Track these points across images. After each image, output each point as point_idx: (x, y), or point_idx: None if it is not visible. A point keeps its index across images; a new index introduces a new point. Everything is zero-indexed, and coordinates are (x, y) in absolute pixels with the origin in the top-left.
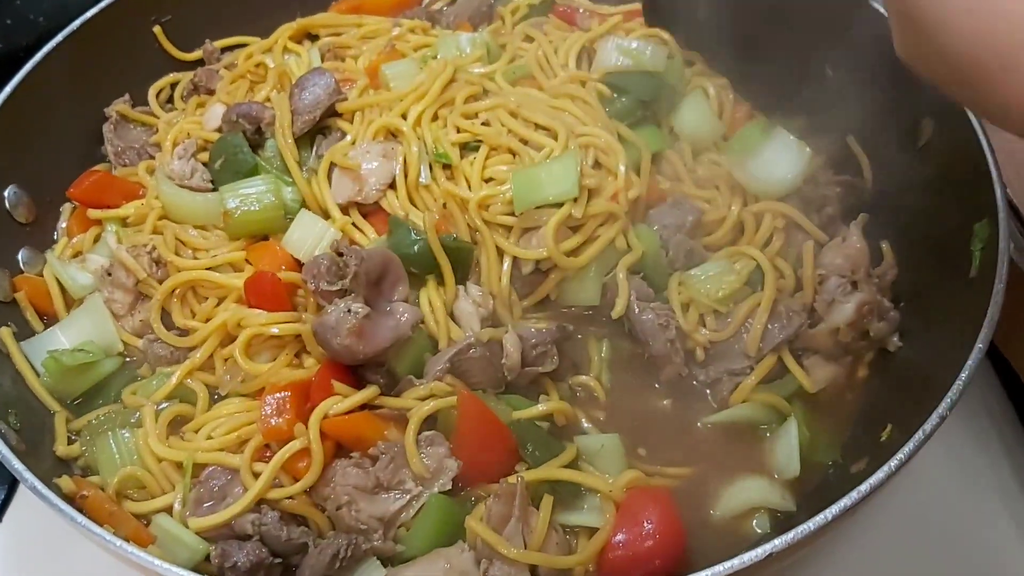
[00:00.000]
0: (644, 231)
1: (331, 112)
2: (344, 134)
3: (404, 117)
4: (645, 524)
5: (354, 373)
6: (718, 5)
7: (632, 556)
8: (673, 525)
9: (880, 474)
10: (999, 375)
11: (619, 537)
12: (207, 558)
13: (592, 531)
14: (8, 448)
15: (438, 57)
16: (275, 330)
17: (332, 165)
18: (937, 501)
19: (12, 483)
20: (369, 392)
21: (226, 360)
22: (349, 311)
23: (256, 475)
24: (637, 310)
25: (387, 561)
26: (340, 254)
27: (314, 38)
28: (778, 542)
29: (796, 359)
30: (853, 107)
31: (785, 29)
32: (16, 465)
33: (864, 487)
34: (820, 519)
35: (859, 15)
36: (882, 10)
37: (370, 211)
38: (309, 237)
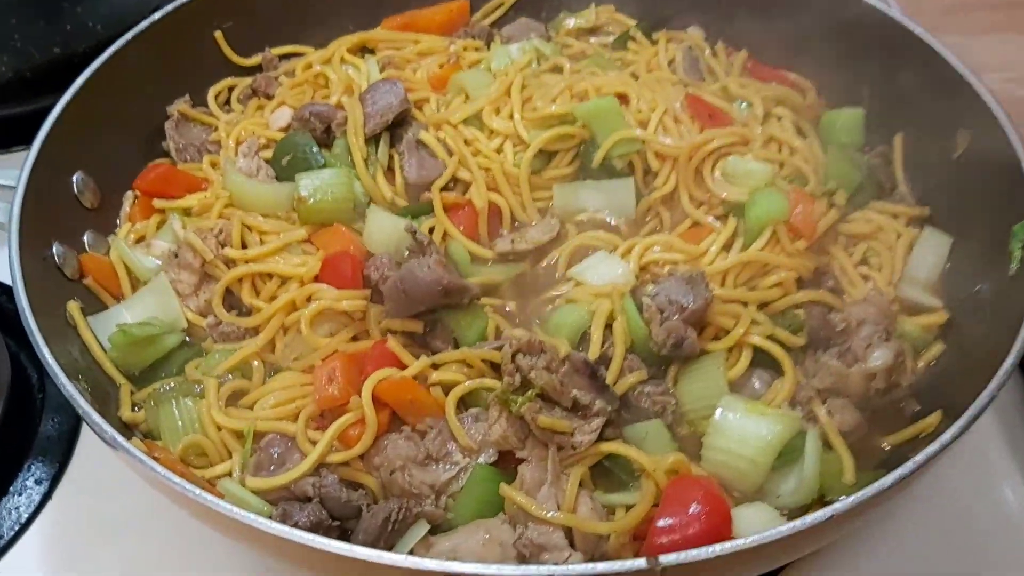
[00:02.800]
0: (630, 307)
1: (401, 117)
2: (424, 127)
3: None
4: (692, 507)
5: (416, 343)
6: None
7: (679, 541)
8: (720, 509)
9: (934, 447)
10: None
11: (665, 521)
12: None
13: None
14: (86, 403)
15: (491, 68)
16: (345, 304)
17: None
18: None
19: (55, 475)
20: (422, 362)
21: (286, 332)
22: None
23: (312, 443)
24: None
25: (435, 528)
26: (414, 231)
27: (368, 51)
28: (839, 505)
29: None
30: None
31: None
32: (95, 418)
33: (920, 457)
34: (878, 485)
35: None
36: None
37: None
38: (386, 232)
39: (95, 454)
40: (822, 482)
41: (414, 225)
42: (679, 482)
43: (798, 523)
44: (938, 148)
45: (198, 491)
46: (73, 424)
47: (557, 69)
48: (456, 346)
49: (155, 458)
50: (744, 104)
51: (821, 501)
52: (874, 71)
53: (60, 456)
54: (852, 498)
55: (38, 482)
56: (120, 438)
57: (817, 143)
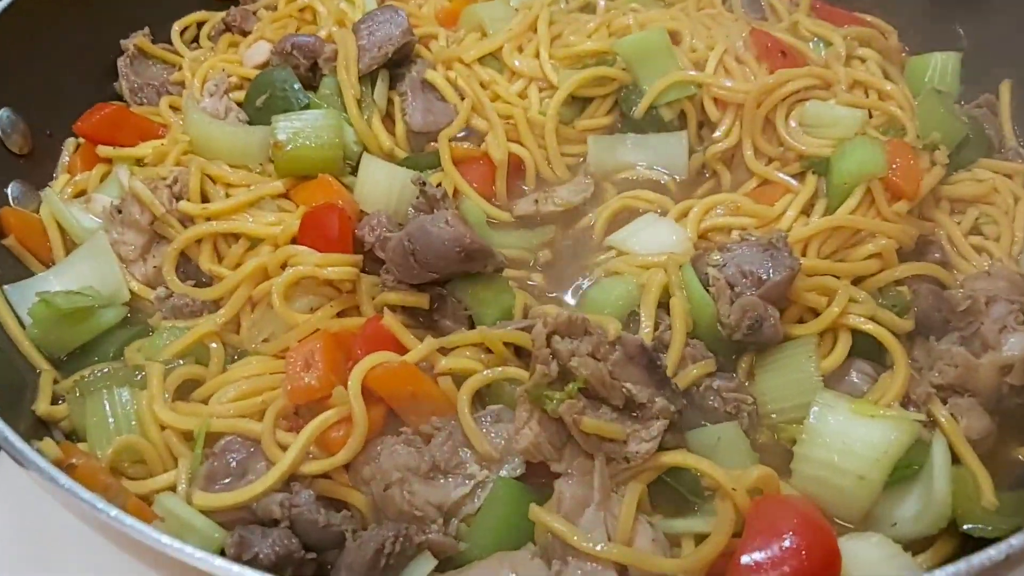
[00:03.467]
0: (691, 279)
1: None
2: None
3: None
4: (786, 539)
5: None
6: None
7: None
8: (824, 541)
9: None
10: None
11: (751, 557)
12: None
13: (702, 538)
14: None
15: (512, 2)
16: (330, 271)
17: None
18: None
19: None
20: (427, 345)
21: (254, 307)
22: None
23: (283, 447)
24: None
25: (444, 562)
26: (424, 183)
27: None
28: (1015, 541)
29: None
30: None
31: None
32: None
33: None
34: None
35: None
36: None
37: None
38: (381, 185)
39: None
40: (953, 505)
41: (423, 177)
42: (766, 505)
43: (962, 566)
44: None
45: (114, 511)
46: None
47: (590, 8)
48: (471, 327)
49: (71, 466)
50: (820, 45)
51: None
52: (973, 8)
53: None
54: None
55: None
56: (18, 440)
57: (908, 91)
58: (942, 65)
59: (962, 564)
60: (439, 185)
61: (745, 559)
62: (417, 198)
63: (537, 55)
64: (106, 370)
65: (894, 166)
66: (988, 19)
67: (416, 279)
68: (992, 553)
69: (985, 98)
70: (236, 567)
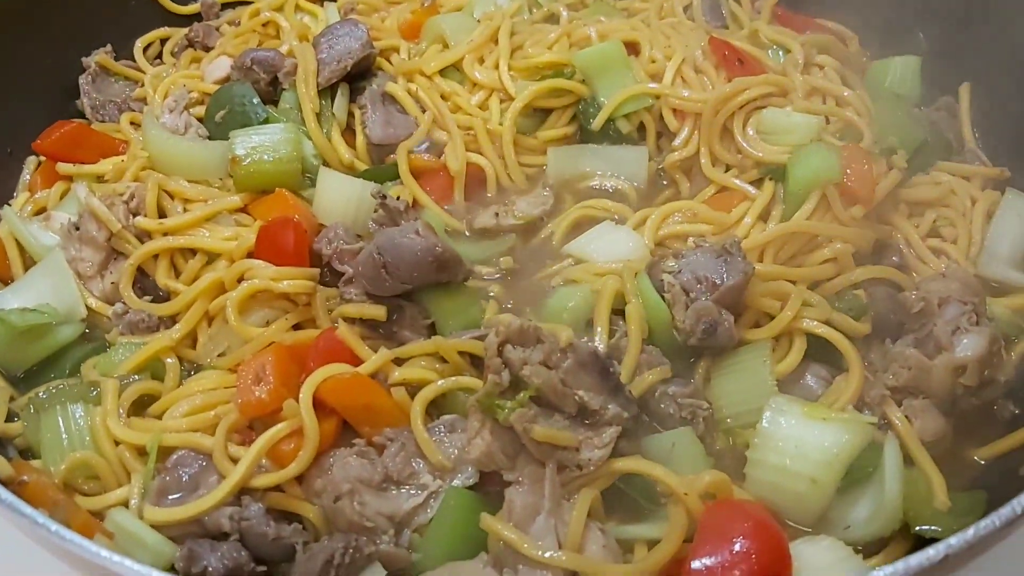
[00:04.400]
0: (646, 286)
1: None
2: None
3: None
4: (737, 543)
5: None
6: None
7: None
8: (774, 544)
9: None
10: None
11: (702, 562)
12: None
13: (655, 544)
14: None
15: (475, 14)
16: (286, 284)
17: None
18: None
19: None
20: (381, 356)
21: (211, 321)
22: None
23: (234, 461)
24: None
25: (396, 574)
26: (384, 196)
27: (329, 0)
28: (955, 541)
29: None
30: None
31: None
32: None
33: None
34: (1007, 511)
35: None
36: None
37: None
38: (339, 197)
39: None
40: (905, 507)
41: (383, 189)
42: (718, 508)
43: (899, 566)
44: (1016, 96)
45: (54, 526)
46: None
47: (553, 18)
48: (431, 337)
49: (22, 483)
50: (779, 52)
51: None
52: (933, 14)
53: None
54: (972, 531)
55: None
56: None
57: (867, 97)
58: (902, 69)
59: (900, 564)
60: (398, 198)
61: (696, 564)
62: (376, 211)
63: (497, 66)
64: (61, 386)
65: (849, 171)
66: (948, 24)
67: (388, 291)
68: (931, 553)
69: (944, 101)
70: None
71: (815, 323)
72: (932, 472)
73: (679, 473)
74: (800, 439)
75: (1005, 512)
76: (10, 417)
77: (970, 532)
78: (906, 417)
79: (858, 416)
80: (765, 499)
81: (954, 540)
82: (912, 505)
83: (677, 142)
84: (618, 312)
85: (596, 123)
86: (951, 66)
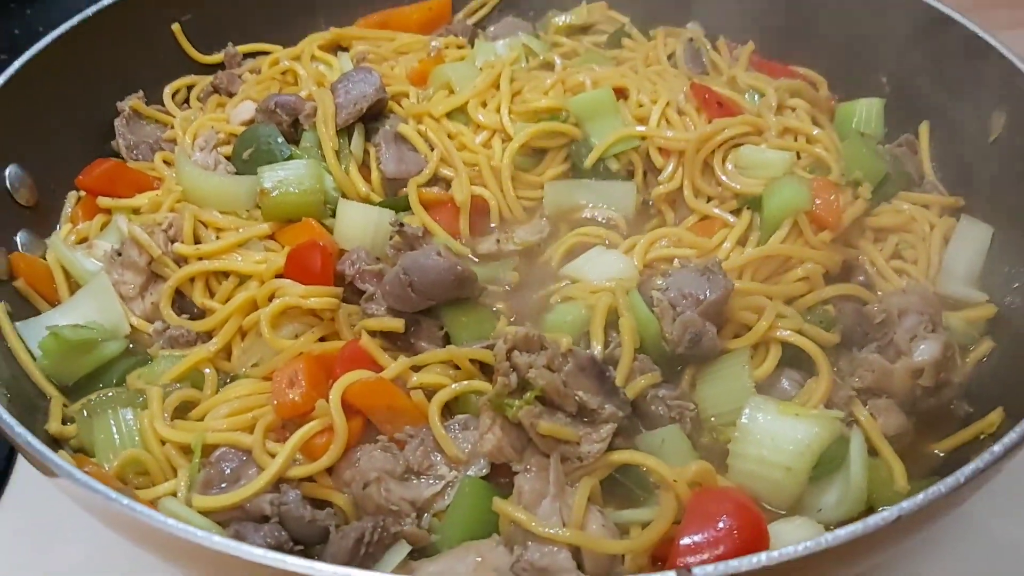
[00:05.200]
0: (637, 301)
1: (377, 110)
2: (403, 120)
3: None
4: (720, 522)
5: (396, 346)
6: None
7: (708, 561)
8: (754, 522)
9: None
10: None
11: (690, 539)
12: None
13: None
14: (6, 411)
15: (476, 63)
16: (313, 301)
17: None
18: None
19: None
20: (400, 363)
21: (244, 336)
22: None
23: (271, 455)
24: (647, 396)
25: (418, 551)
26: (401, 224)
27: (342, 50)
28: (906, 504)
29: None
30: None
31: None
32: (17, 429)
33: (998, 447)
34: (952, 480)
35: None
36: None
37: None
38: (358, 224)
39: (27, 495)
40: (870, 491)
41: (399, 218)
42: (704, 494)
43: (859, 527)
44: (970, 133)
45: (135, 505)
46: (5, 456)
47: (548, 66)
48: (445, 347)
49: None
50: (755, 95)
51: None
52: (893, 60)
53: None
54: (922, 496)
55: None
56: (44, 448)
57: (835, 135)
58: (867, 111)
59: (859, 525)
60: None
61: (684, 540)
62: (391, 238)
63: (499, 110)
64: (110, 394)
65: (818, 201)
66: (907, 68)
67: (413, 307)
68: (885, 514)
69: (906, 138)
70: (233, 543)
71: (788, 333)
72: (894, 461)
73: (669, 464)
74: (776, 433)
75: (949, 481)
76: (62, 422)
77: (920, 497)
78: (871, 414)
79: (826, 412)
80: (745, 486)
81: (906, 504)
82: (876, 489)
83: (662, 177)
84: (612, 325)
85: (588, 162)
86: (912, 107)
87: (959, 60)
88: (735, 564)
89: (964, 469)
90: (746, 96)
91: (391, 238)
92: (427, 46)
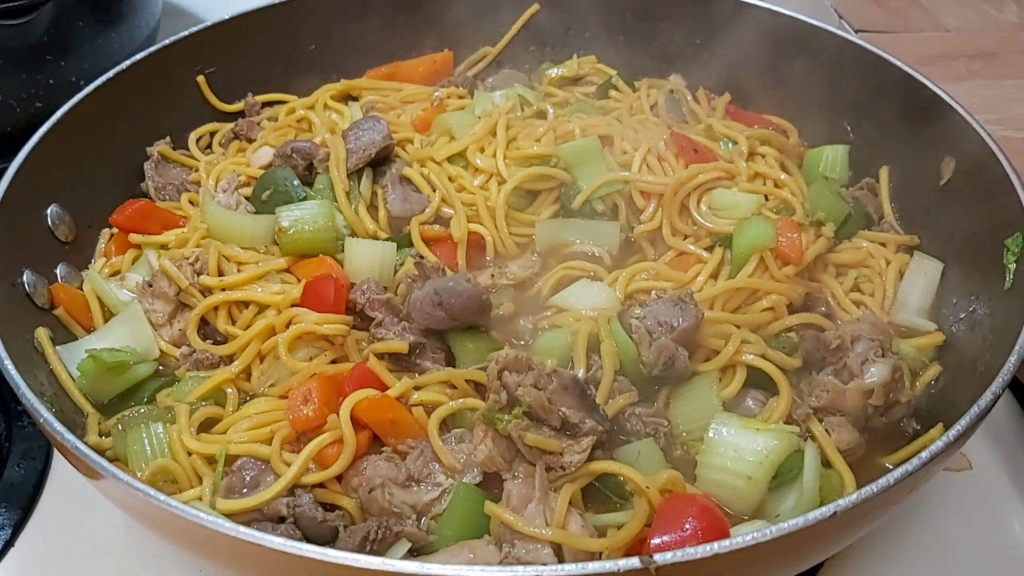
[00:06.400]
0: (617, 329)
1: (384, 155)
2: (408, 164)
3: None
4: (687, 524)
5: (400, 366)
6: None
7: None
8: (717, 525)
9: (940, 443)
10: None
11: (660, 539)
12: None
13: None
14: (49, 412)
15: (475, 111)
16: (327, 328)
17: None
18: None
19: (19, 521)
20: (403, 383)
21: (263, 360)
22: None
23: (287, 464)
24: (625, 414)
25: (417, 551)
26: (421, 257)
27: (352, 99)
28: (843, 502)
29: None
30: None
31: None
32: (56, 427)
33: (925, 454)
34: (883, 482)
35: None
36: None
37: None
38: (365, 259)
39: (61, 502)
40: (823, 498)
41: (419, 253)
42: (673, 499)
43: (800, 520)
44: (923, 178)
45: (172, 502)
46: (40, 470)
47: (541, 114)
48: (447, 366)
49: None
50: (729, 143)
51: None
52: (856, 109)
53: (24, 502)
54: (856, 495)
55: (0, 528)
56: (90, 451)
57: (801, 180)
58: (832, 156)
59: (800, 519)
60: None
61: (655, 540)
62: (396, 271)
63: (495, 155)
64: (142, 411)
65: (782, 239)
66: (870, 118)
67: (438, 325)
68: (824, 510)
69: (867, 181)
70: (256, 533)
71: (752, 357)
72: (844, 471)
73: (643, 473)
74: (738, 446)
75: (881, 482)
76: (99, 435)
77: (854, 496)
78: (826, 430)
79: (784, 427)
80: (712, 493)
81: (842, 502)
82: (829, 497)
83: (644, 217)
84: (595, 349)
85: (576, 204)
86: (873, 152)
87: (915, 111)
88: (691, 552)
89: (894, 473)
90: (720, 143)
91: (396, 271)
92: (431, 96)
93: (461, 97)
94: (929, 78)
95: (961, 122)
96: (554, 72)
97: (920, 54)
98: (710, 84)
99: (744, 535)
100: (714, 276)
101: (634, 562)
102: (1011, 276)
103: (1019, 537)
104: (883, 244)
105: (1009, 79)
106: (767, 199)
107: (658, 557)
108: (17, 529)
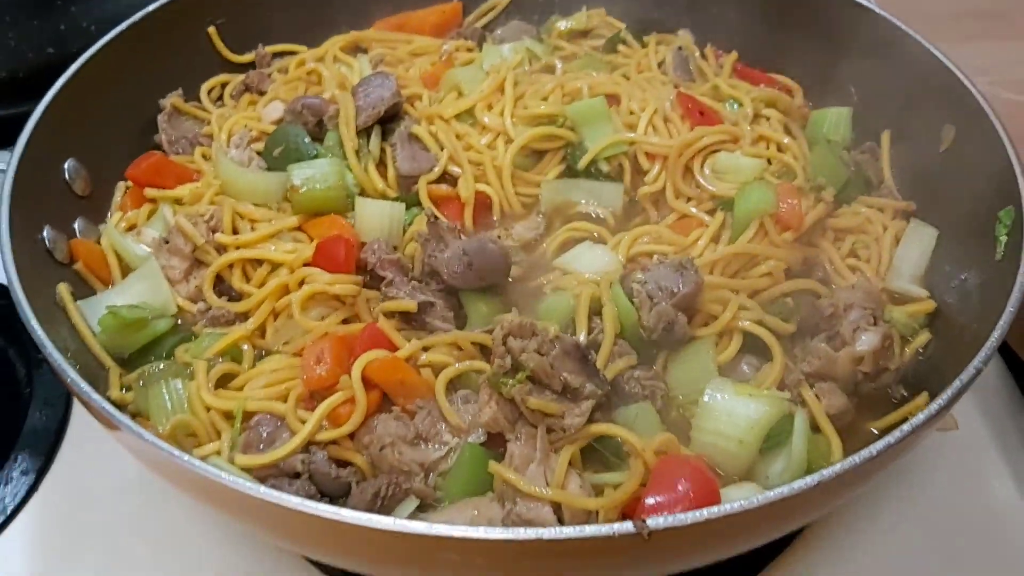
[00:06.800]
0: (618, 293)
1: (393, 112)
2: (416, 122)
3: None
4: (680, 485)
5: (410, 326)
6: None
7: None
8: (708, 486)
9: (922, 416)
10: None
11: (653, 499)
12: None
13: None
14: (75, 372)
15: (483, 67)
16: (338, 288)
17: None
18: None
19: (42, 467)
20: (412, 345)
21: (276, 316)
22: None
23: (302, 422)
24: (624, 377)
25: (425, 506)
26: (436, 217)
27: (361, 51)
28: (827, 472)
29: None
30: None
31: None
32: (83, 387)
33: (907, 426)
34: (866, 453)
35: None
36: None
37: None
38: (376, 218)
39: (82, 447)
40: (810, 463)
41: (433, 213)
42: (667, 461)
43: (785, 489)
44: (924, 143)
45: (192, 460)
46: (61, 417)
47: (549, 69)
48: (456, 326)
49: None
50: (734, 104)
51: None
52: (861, 71)
53: (47, 448)
54: (839, 465)
55: (24, 473)
56: (112, 408)
57: (804, 143)
58: (835, 118)
59: (785, 488)
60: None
61: (649, 500)
62: (409, 231)
63: (502, 114)
64: (162, 367)
65: (783, 205)
66: (874, 79)
67: (467, 284)
68: (808, 480)
69: (868, 145)
70: (274, 492)
71: (748, 323)
72: (832, 436)
73: (640, 435)
74: (732, 410)
75: (864, 453)
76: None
77: (838, 466)
78: (816, 396)
79: (776, 393)
80: (705, 455)
81: (826, 472)
82: (816, 461)
83: (648, 178)
84: (596, 313)
85: (581, 164)
86: (876, 116)
87: (917, 75)
88: (683, 517)
89: (876, 444)
90: (726, 105)
91: (405, 231)
92: (439, 49)
93: (470, 50)
94: (934, 43)
95: (962, 90)
96: (563, 25)
97: (928, 12)
98: (718, 40)
99: (733, 503)
100: (715, 240)
101: (628, 526)
102: (1002, 248)
103: (1000, 495)
104: (881, 210)
105: (1017, 40)
106: (770, 163)
107: (651, 522)
108: (40, 474)
